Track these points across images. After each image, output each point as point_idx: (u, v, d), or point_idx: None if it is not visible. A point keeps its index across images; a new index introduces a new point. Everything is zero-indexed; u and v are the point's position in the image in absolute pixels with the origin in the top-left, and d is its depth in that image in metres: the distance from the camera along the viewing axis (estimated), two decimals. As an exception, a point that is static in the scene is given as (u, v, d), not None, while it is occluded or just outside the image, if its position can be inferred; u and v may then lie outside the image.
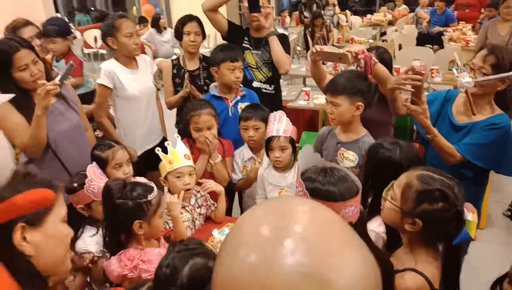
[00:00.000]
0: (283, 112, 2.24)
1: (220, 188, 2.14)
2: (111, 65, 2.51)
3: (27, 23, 2.73)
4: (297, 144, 2.23)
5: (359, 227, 1.15)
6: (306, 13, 8.97)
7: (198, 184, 2.14)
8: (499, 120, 1.87)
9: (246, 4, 2.61)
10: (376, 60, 2.05)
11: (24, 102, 1.94)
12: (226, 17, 2.81)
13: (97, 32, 7.85)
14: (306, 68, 4.98)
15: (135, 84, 2.55)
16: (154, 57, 7.01)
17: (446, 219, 1.18)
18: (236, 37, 2.79)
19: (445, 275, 1.23)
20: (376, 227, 1.50)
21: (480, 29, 6.86)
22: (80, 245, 1.73)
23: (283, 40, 2.74)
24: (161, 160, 1.98)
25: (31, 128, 1.91)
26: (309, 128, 4.51)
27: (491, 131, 1.87)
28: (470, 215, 1.20)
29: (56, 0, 9.90)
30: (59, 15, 8.93)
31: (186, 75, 2.71)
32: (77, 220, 1.79)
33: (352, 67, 2.25)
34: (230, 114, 2.51)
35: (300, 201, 0.53)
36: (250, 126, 2.30)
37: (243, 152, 2.41)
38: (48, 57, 3.18)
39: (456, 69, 1.86)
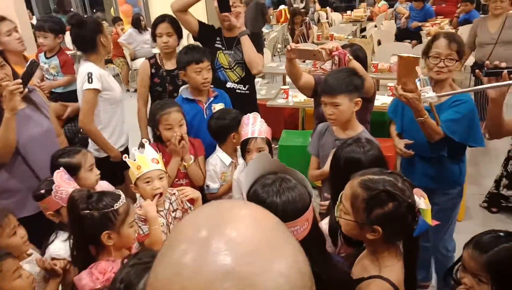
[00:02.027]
0: (257, 113, 2.22)
1: (197, 194, 2.11)
2: (97, 69, 2.47)
3: (3, 18, 2.76)
4: (274, 145, 2.21)
5: (315, 245, 1.13)
6: (297, 5, 8.81)
7: (173, 185, 2.10)
8: (463, 96, 2.05)
9: (216, 4, 2.58)
10: (350, 56, 2.05)
11: None
12: (196, 18, 2.78)
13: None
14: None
15: (117, 86, 2.60)
16: (133, 59, 6.93)
17: (401, 216, 1.17)
18: (208, 37, 2.76)
19: (407, 270, 1.23)
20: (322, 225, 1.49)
21: (457, 23, 7.00)
22: (52, 250, 1.69)
23: (256, 39, 2.72)
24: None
25: (0, 131, 1.88)
26: (289, 126, 4.51)
27: (460, 106, 2.03)
28: (422, 202, 1.19)
29: (30, 1, 9.66)
30: (34, 17, 8.76)
31: None
32: (48, 226, 1.76)
33: (327, 64, 2.24)
34: (205, 116, 2.48)
35: (245, 205, 0.53)
36: (204, 68, 2.35)
37: (220, 158, 2.34)
38: (32, 55, 3.19)
39: (419, 80, 1.87)
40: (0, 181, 1.98)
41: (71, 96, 2.87)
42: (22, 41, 2.83)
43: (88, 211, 1.48)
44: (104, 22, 8.58)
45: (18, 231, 1.63)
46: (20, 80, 1.85)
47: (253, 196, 1.10)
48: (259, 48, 2.72)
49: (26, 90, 1.97)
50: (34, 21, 6.56)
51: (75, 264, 1.59)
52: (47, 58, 3.19)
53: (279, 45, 8.18)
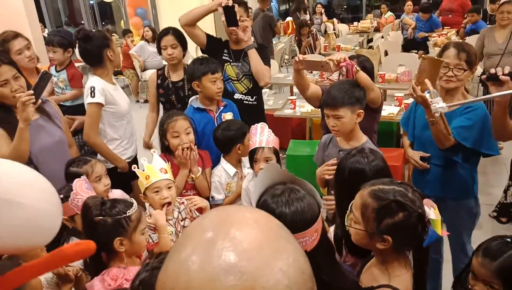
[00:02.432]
0: (265, 123, 2.25)
1: (205, 203, 2.13)
2: (101, 83, 2.50)
3: (17, 35, 2.77)
4: (281, 155, 2.23)
5: (324, 255, 1.14)
6: (303, 16, 8.90)
7: (181, 195, 2.13)
8: (474, 103, 2.07)
9: (223, 18, 2.63)
10: (357, 68, 2.08)
11: (5, 117, 1.97)
12: (204, 31, 2.83)
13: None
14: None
15: (123, 99, 2.62)
16: (143, 70, 7.03)
17: (411, 226, 1.18)
18: (216, 50, 2.81)
19: (416, 280, 1.24)
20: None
21: (463, 33, 7.01)
22: None
23: (262, 52, 2.76)
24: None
25: (14, 141, 1.93)
26: (296, 136, 4.54)
27: (471, 113, 2.06)
28: (432, 213, 1.19)
29: (43, 14, 9.86)
30: (46, 30, 8.94)
31: None
32: (60, 232, 1.79)
33: (334, 75, 2.27)
34: (215, 125, 2.51)
35: (249, 210, 0.56)
36: (218, 78, 2.42)
37: (224, 169, 2.36)
38: (44, 66, 3.23)
39: (428, 92, 1.90)
40: None
41: (79, 109, 2.90)
42: (33, 59, 2.85)
43: (101, 218, 1.51)
44: (114, 34, 8.78)
45: None
46: (32, 92, 1.90)
47: (263, 206, 1.11)
48: (266, 60, 2.76)
49: (40, 101, 2.03)
50: (46, 34, 6.69)
51: (88, 271, 1.62)
52: (57, 71, 3.24)
53: (286, 56, 8.23)
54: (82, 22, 10.46)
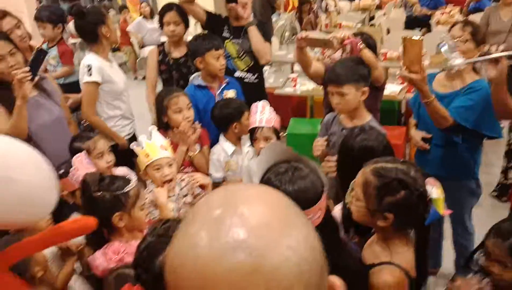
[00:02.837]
0: (266, 101, 2.23)
1: (207, 180, 2.12)
2: (97, 61, 2.46)
3: (5, 14, 2.70)
4: (281, 133, 2.21)
5: (329, 233, 1.13)
6: None
7: (179, 172, 2.12)
8: (477, 83, 2.06)
9: None
10: (363, 45, 2.04)
11: (3, 94, 1.95)
12: (203, 8, 2.78)
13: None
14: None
15: (120, 76, 2.59)
16: (141, 47, 6.93)
17: (413, 205, 1.19)
18: (216, 26, 2.76)
19: (417, 259, 1.24)
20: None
21: (467, 11, 6.89)
22: None
23: (263, 28, 2.71)
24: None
25: (12, 118, 1.92)
26: (297, 114, 4.50)
27: (473, 93, 2.04)
28: (434, 191, 1.20)
29: (39, -11, 9.62)
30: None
31: None
32: (61, 207, 1.80)
33: (337, 54, 2.24)
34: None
35: (258, 187, 0.56)
36: (221, 54, 2.38)
37: (223, 148, 2.33)
38: (36, 44, 3.15)
39: (444, 46, 1.86)
40: None
41: (72, 86, 2.87)
42: (24, 38, 2.77)
43: (100, 193, 1.53)
44: (111, 9, 8.60)
45: None
46: (27, 68, 1.87)
47: (266, 184, 1.11)
48: (267, 37, 2.73)
49: (37, 78, 1.99)
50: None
51: (90, 245, 1.63)
52: (48, 48, 3.16)
53: (287, 33, 8.10)
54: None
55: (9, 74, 1.91)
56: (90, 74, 2.40)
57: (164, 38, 2.85)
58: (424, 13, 7.14)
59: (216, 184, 2.26)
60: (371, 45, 2.37)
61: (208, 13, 2.78)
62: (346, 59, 2.10)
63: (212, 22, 2.77)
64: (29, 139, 2.02)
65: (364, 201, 1.23)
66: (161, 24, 2.75)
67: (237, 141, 2.35)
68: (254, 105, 2.20)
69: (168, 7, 2.72)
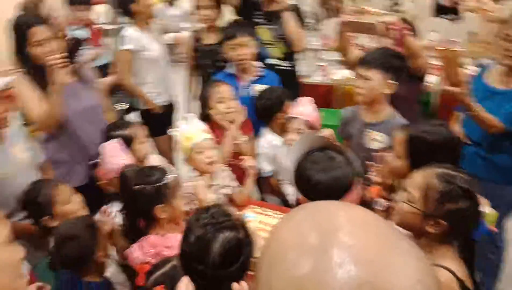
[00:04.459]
0: (311, 98, 2.17)
1: (254, 169, 2.06)
2: (132, 31, 2.68)
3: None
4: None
5: None
6: None
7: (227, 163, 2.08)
8: None
9: None
10: (409, 33, 1.94)
11: (39, 78, 1.92)
12: None
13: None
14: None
15: (155, 46, 2.75)
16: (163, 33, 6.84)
17: (469, 216, 1.17)
18: (248, 11, 2.68)
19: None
20: None
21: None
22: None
23: (297, 14, 2.61)
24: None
25: (47, 103, 1.90)
26: (323, 105, 4.38)
27: None
28: (486, 207, 1.19)
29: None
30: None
31: None
32: (97, 196, 1.83)
33: (382, 39, 2.15)
34: (241, 96, 2.34)
35: (344, 206, 0.50)
36: (238, 43, 2.27)
37: (269, 140, 2.24)
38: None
39: None
40: (50, 152, 2.01)
41: (102, 71, 2.87)
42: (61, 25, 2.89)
43: (140, 186, 1.49)
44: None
45: (73, 198, 1.67)
46: (62, 54, 1.85)
47: (300, 173, 1.11)
48: (302, 23, 2.63)
49: (74, 65, 1.96)
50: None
51: (128, 237, 1.61)
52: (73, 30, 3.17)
53: (310, 20, 7.92)
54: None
55: (48, 60, 1.88)
56: (123, 43, 2.64)
57: (183, 25, 2.91)
58: (454, 1, 6.88)
59: (265, 179, 2.18)
60: (414, 33, 2.27)
61: None
62: (385, 48, 2.02)
63: (245, 6, 2.68)
64: (65, 126, 2.02)
65: (421, 204, 1.18)
66: (196, 8, 2.69)
67: (282, 132, 2.24)
68: (298, 99, 2.16)
69: None
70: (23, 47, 1.89)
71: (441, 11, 6.87)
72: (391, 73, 1.84)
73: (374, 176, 1.65)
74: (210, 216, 1.11)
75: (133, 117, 2.87)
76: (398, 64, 1.88)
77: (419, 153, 1.48)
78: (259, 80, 2.41)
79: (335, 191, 1.08)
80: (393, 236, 0.46)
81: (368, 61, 1.86)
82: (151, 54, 2.71)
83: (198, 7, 2.66)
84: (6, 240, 0.93)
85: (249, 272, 1.08)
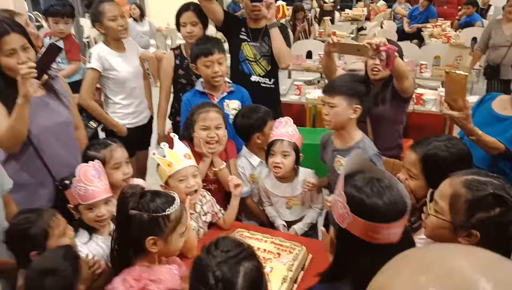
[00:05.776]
0: (290, 118, 2.10)
1: (238, 190, 1.96)
2: (101, 49, 2.63)
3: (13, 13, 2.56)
4: (301, 155, 2.06)
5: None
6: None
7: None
8: None
9: None
10: (396, 54, 1.93)
11: (7, 92, 1.73)
12: (221, 7, 2.66)
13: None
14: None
15: (125, 66, 2.66)
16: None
17: (506, 224, 1.08)
18: (233, 28, 2.62)
19: None
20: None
21: (458, 25, 6.99)
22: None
23: (284, 32, 2.58)
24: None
25: (11, 118, 1.69)
26: (297, 123, 4.34)
27: None
28: None
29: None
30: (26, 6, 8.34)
31: None
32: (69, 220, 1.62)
33: (372, 61, 2.14)
34: None
35: (464, 250, 0.45)
36: (215, 60, 2.21)
37: (248, 160, 2.18)
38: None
39: None
40: (9, 173, 1.75)
41: (77, 86, 2.68)
42: (37, 35, 2.82)
43: (137, 212, 1.31)
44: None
45: (67, 231, 1.50)
46: (33, 64, 1.65)
47: (349, 198, 0.99)
48: (287, 41, 2.59)
49: (46, 76, 1.78)
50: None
51: (113, 265, 1.45)
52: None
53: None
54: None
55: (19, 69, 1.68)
56: (90, 61, 2.59)
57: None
58: (415, 29, 7.20)
59: (242, 200, 2.08)
60: (400, 54, 2.27)
61: (226, 13, 2.64)
62: (348, 74, 2.07)
63: (229, 23, 2.62)
64: (29, 143, 1.81)
65: (450, 215, 1.12)
66: (178, 25, 2.63)
67: (260, 152, 2.18)
68: (277, 121, 2.08)
69: (185, 7, 2.61)
70: None
71: (406, 36, 7.15)
72: (356, 97, 1.85)
73: None
74: (224, 251, 1.06)
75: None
76: (361, 87, 1.90)
77: (434, 170, 1.45)
78: (230, 95, 2.34)
79: (392, 215, 0.98)
80: None
81: (332, 88, 1.88)
82: (118, 75, 2.63)
83: (183, 24, 2.59)
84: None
85: None
